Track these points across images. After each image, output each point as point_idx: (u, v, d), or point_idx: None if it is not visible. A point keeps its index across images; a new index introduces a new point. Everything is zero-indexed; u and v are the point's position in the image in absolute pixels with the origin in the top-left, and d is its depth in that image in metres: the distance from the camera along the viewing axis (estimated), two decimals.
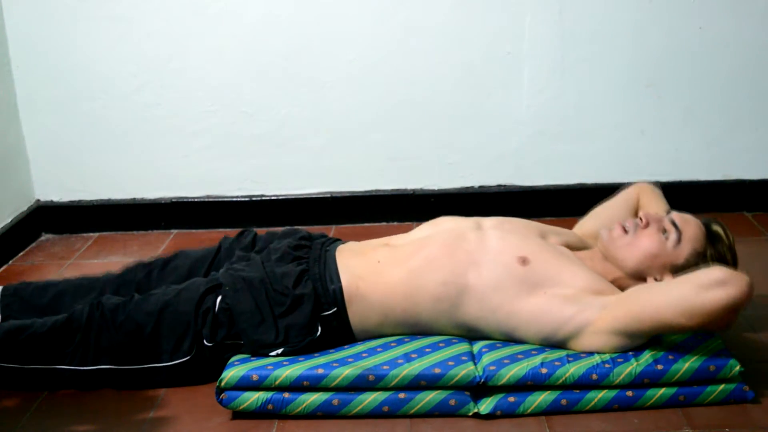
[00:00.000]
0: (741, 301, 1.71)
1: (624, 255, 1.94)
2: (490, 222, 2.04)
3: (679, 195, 2.87)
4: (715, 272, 1.73)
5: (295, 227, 2.27)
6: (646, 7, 2.74)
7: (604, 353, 1.85)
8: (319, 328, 1.91)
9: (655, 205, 2.15)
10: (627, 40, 2.77)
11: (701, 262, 1.90)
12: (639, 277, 1.95)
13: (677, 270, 1.91)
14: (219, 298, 1.93)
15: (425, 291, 1.91)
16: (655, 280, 1.93)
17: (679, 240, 1.91)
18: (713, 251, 1.93)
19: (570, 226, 2.25)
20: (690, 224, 1.94)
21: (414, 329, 1.96)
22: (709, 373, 1.80)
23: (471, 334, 1.95)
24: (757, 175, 2.89)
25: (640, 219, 1.96)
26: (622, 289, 1.94)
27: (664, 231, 1.93)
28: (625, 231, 1.95)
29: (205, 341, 1.91)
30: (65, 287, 2.15)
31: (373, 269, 1.94)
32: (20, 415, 1.89)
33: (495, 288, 1.88)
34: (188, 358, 1.92)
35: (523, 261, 1.89)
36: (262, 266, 1.99)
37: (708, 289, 1.71)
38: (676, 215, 1.97)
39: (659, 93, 2.82)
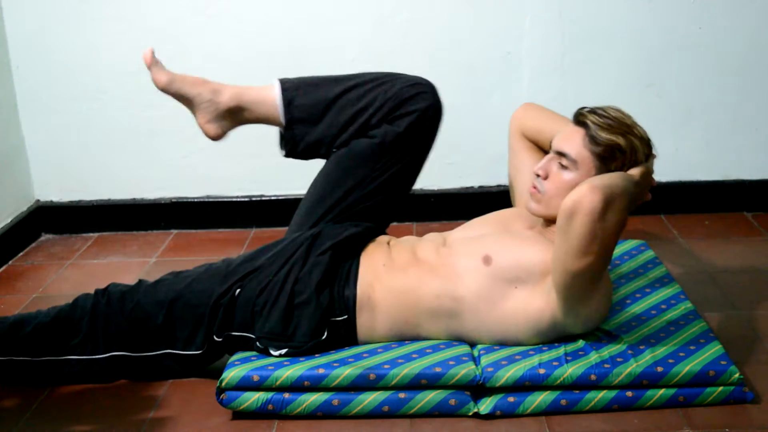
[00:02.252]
0: (601, 206, 1.66)
1: (555, 211, 1.85)
2: (454, 234, 2.04)
3: (679, 195, 2.88)
4: (563, 207, 1.70)
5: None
6: (645, 7, 2.74)
7: (601, 350, 1.85)
8: (326, 333, 1.91)
9: (544, 128, 2.07)
10: (627, 40, 2.78)
11: (607, 157, 1.84)
12: None
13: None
14: (238, 291, 1.92)
15: (422, 305, 1.91)
16: None
17: (574, 162, 1.87)
18: (601, 148, 1.85)
19: None
20: (569, 138, 1.89)
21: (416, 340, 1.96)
22: (708, 378, 1.80)
23: (470, 344, 1.95)
24: (757, 175, 2.89)
25: (537, 174, 1.92)
26: None
27: (562, 165, 1.89)
28: (538, 191, 1.92)
29: (215, 337, 1.91)
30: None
31: (379, 274, 1.94)
32: (20, 415, 1.88)
33: (479, 295, 1.88)
34: (200, 352, 1.92)
35: (487, 260, 1.88)
36: (306, 251, 1.97)
37: (569, 226, 1.69)
38: (557, 140, 1.91)
39: (659, 93, 2.82)
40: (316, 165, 2.89)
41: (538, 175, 1.93)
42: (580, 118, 1.90)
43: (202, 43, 2.80)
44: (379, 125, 2.02)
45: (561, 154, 1.89)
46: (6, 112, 2.82)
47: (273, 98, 2.03)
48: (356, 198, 2.05)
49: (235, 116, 2.05)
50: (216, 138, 2.07)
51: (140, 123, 2.87)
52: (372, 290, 1.92)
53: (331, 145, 2.06)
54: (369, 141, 2.03)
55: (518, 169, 2.16)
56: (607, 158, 1.85)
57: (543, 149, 2.11)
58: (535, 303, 1.86)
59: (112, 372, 1.96)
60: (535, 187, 1.93)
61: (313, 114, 2.04)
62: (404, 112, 2.02)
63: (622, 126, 1.87)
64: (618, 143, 1.85)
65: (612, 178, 1.75)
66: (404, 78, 2.06)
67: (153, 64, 2.04)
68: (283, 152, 2.11)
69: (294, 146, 2.08)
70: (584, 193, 1.68)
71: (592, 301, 1.84)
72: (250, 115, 2.05)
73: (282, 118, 2.04)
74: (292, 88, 2.04)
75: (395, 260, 1.96)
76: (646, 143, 1.89)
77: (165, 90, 2.04)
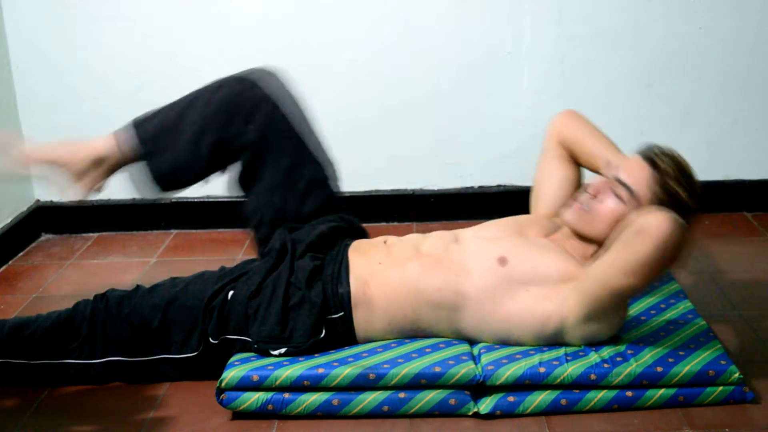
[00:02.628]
0: (671, 238, 1.67)
1: (592, 232, 1.91)
2: (467, 233, 2.05)
3: None
4: (634, 223, 1.72)
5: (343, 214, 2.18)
6: (645, 7, 2.74)
7: (600, 350, 1.86)
8: (324, 331, 1.91)
9: (586, 145, 2.08)
10: (627, 41, 2.78)
11: (662, 200, 1.86)
12: None
13: None
14: (231, 293, 1.93)
15: (423, 297, 1.91)
16: None
17: (632, 195, 1.87)
18: (665, 193, 1.86)
19: None
20: (636, 173, 1.88)
21: (415, 336, 1.96)
22: (708, 378, 1.80)
23: (470, 341, 1.95)
24: (757, 175, 2.89)
25: (589, 192, 1.92)
26: None
27: (616, 192, 1.89)
28: (582, 208, 1.92)
29: (210, 339, 1.92)
30: None
31: (375, 272, 1.94)
32: (20, 415, 1.89)
33: (486, 293, 1.88)
34: (195, 354, 1.93)
35: (502, 261, 1.89)
36: (290, 259, 1.98)
37: (633, 242, 1.70)
38: (621, 169, 1.90)
39: (659, 93, 2.82)
40: None
41: (588, 192, 1.92)
42: (652, 158, 1.89)
43: (202, 43, 2.80)
44: (239, 132, 2.02)
45: (622, 185, 1.88)
46: (6, 112, 2.82)
47: (124, 140, 2.05)
48: (282, 202, 2.06)
49: (101, 167, 2.05)
50: (94, 191, 2.07)
51: None
52: (367, 286, 1.92)
53: (198, 167, 2.05)
54: (245, 153, 2.04)
55: (547, 175, 2.15)
56: (665, 204, 1.83)
57: (578, 162, 2.12)
58: (544, 307, 1.86)
59: (108, 377, 1.97)
60: (580, 203, 1.93)
61: (163, 143, 2.04)
62: (249, 108, 2.03)
63: (689, 179, 1.88)
64: (682, 197, 1.86)
65: (682, 219, 1.73)
66: (234, 78, 2.08)
67: (10, 142, 2.09)
68: (157, 188, 2.07)
69: (160, 180, 2.05)
70: (664, 219, 1.68)
71: (607, 320, 1.86)
72: (112, 162, 2.05)
73: (137, 156, 2.05)
74: (137, 125, 2.07)
75: (395, 257, 1.96)
76: (700, 201, 1.90)
77: (29, 161, 2.07)
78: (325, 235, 2.03)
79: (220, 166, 2.08)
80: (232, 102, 2.03)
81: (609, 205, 1.89)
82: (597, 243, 1.93)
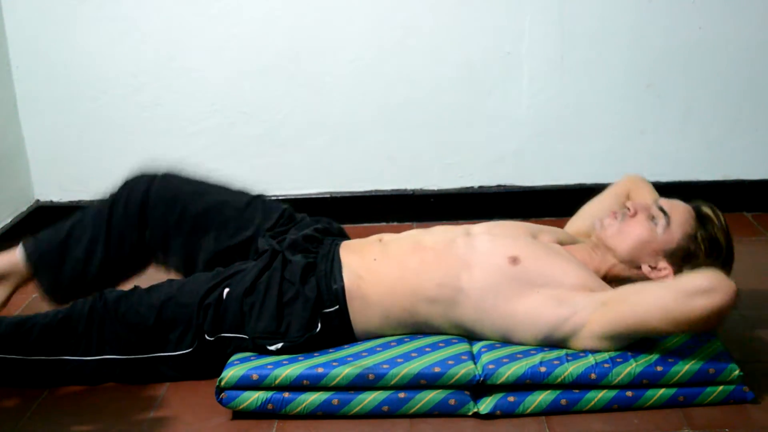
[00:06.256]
0: (725, 309, 1.70)
1: (615, 243, 1.96)
2: (479, 228, 2.05)
3: (679, 195, 2.87)
4: (699, 279, 1.72)
5: (319, 218, 2.24)
6: (645, 7, 2.74)
7: (601, 353, 1.86)
8: (320, 325, 1.92)
9: (645, 196, 2.15)
10: (627, 41, 2.78)
11: (693, 244, 1.92)
12: (633, 264, 1.97)
13: (670, 255, 1.93)
14: (226, 290, 1.94)
15: (421, 292, 1.91)
16: (650, 267, 1.95)
17: (668, 224, 1.93)
18: (704, 233, 1.94)
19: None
20: (678, 209, 1.96)
21: (414, 329, 1.97)
22: (709, 375, 1.80)
23: (469, 335, 1.95)
24: (757, 175, 2.90)
25: (628, 208, 1.98)
26: (618, 278, 1.97)
27: (653, 218, 1.95)
28: (615, 218, 1.98)
29: (206, 336, 1.92)
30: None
31: (370, 267, 1.95)
32: (20, 415, 1.89)
33: (488, 289, 1.88)
34: (190, 350, 1.93)
35: (514, 260, 1.89)
36: (282, 257, 2.01)
37: (692, 297, 1.70)
38: (664, 201, 1.98)
39: (659, 93, 2.82)
40: (316, 166, 2.90)
41: (627, 209, 1.97)
42: (698, 206, 1.98)
43: (202, 44, 2.80)
44: (124, 234, 2.08)
45: (662, 212, 1.94)
46: (6, 112, 2.82)
47: (18, 258, 2.09)
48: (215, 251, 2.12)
49: (2, 283, 2.10)
50: None
51: (140, 123, 2.87)
52: (361, 280, 1.93)
53: (85, 278, 2.07)
54: (148, 253, 2.11)
55: (600, 204, 2.22)
56: (701, 250, 1.92)
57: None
58: (558, 310, 1.86)
59: (103, 376, 1.97)
60: (615, 215, 1.98)
61: (52, 259, 2.09)
62: (132, 206, 2.09)
63: (728, 234, 1.96)
64: (722, 244, 1.93)
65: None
66: (116, 192, 2.15)
67: None
68: (52, 302, 2.10)
69: (54, 293, 2.09)
70: (726, 289, 1.69)
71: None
72: (7, 283, 2.11)
73: (29, 273, 2.10)
74: (30, 244, 2.12)
75: (392, 253, 1.97)
76: (733, 260, 1.97)
77: None
78: (310, 236, 2.06)
79: (127, 272, 2.13)
80: (119, 206, 2.09)
81: (641, 225, 1.94)
82: (613, 260, 1.97)
